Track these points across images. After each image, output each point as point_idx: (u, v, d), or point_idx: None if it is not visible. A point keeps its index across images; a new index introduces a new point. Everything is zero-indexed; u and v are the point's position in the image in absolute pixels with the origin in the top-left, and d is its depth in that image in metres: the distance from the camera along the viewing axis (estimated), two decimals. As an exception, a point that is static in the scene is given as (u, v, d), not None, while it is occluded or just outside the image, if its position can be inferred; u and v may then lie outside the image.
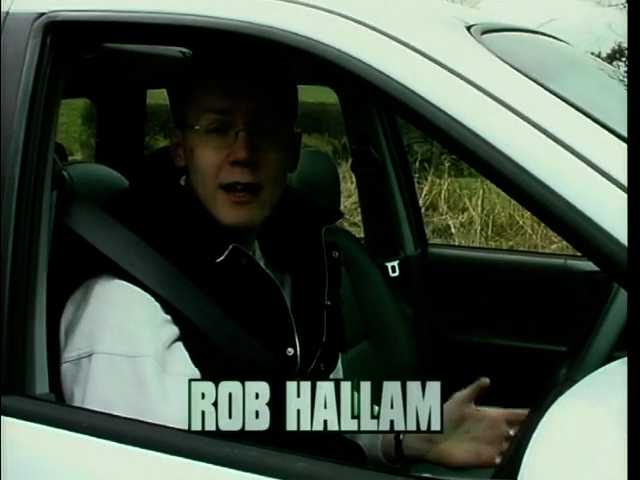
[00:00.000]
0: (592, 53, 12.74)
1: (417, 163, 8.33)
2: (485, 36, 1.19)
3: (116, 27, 1.30)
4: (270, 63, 1.38)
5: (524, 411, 1.36)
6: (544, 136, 1.01)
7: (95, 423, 1.14)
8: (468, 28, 1.19)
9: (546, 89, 1.09)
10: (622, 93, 1.53)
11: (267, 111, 1.36)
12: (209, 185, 1.35)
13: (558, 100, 1.07)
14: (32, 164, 1.22)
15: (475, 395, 1.41)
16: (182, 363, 1.26)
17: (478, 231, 7.68)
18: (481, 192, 8.11)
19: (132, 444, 1.10)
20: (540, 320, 2.53)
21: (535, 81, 1.09)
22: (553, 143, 1.00)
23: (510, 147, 1.01)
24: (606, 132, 1.04)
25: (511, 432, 1.39)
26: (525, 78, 1.10)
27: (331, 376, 1.61)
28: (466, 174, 8.95)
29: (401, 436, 1.49)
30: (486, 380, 1.41)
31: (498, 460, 1.36)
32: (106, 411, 1.19)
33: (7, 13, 1.29)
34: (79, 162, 1.98)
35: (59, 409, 1.21)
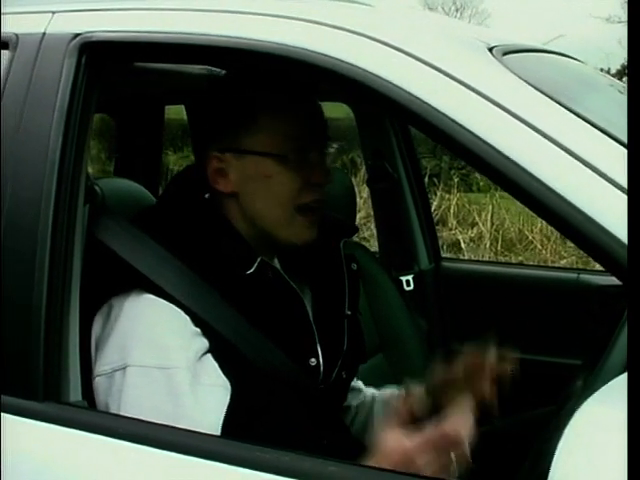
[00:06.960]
0: (602, 69, 12.77)
1: (426, 178, 8.32)
2: (506, 57, 1.23)
3: (149, 47, 1.34)
4: (316, 86, 1.45)
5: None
6: (566, 154, 1.05)
7: (130, 429, 1.17)
8: (490, 49, 1.23)
9: (565, 107, 1.13)
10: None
11: (325, 131, 1.42)
12: (286, 208, 1.38)
13: (577, 118, 1.11)
14: (67, 179, 1.26)
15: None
16: (213, 374, 1.28)
17: (487, 246, 7.67)
18: (490, 207, 8.11)
19: (165, 449, 1.13)
20: (553, 333, 2.55)
21: (555, 100, 1.14)
22: (575, 161, 1.04)
23: (534, 165, 1.05)
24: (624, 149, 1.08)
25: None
26: (545, 97, 1.14)
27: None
28: (475, 189, 8.96)
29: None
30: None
31: None
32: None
33: (44, 34, 1.34)
34: (109, 177, 2.01)
35: (92, 415, 1.25)
